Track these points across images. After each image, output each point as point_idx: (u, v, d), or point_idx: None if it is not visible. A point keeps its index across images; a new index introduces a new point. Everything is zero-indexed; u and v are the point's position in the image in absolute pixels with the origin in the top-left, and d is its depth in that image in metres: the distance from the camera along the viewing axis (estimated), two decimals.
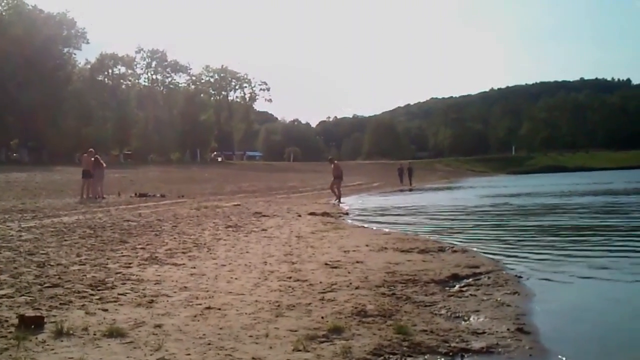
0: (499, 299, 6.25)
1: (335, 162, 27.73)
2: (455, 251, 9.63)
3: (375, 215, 19.06)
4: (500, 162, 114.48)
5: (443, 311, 5.74)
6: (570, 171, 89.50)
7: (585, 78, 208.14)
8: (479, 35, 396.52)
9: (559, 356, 4.50)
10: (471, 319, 5.48)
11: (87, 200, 21.72)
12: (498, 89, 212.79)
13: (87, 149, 25.68)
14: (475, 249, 10.04)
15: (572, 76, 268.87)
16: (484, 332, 5.00)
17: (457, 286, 6.94)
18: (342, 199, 25.69)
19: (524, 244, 11.05)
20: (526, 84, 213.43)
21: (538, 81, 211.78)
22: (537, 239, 11.84)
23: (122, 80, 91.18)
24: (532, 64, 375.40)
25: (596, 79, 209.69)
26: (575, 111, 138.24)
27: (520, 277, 7.51)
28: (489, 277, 7.39)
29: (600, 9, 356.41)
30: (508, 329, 5.08)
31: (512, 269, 8.06)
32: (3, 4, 67.79)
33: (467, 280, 7.24)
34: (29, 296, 5.91)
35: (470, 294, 6.52)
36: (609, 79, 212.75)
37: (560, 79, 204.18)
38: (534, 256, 9.32)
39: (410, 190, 40.91)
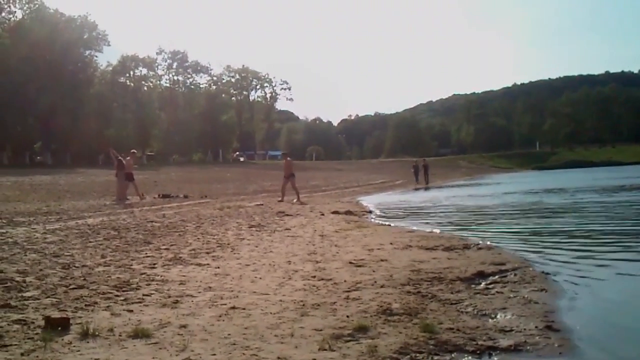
0: (526, 296, 6.14)
1: (288, 158, 25.59)
2: (480, 248, 9.49)
3: (400, 215, 18.92)
4: (524, 157, 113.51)
5: (469, 309, 5.66)
6: (596, 166, 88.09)
7: (611, 71, 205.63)
8: (501, 30, 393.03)
9: (590, 354, 4.40)
10: (498, 316, 5.39)
11: (137, 202, 21.93)
12: (521, 84, 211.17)
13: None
14: (500, 246, 9.91)
15: (597, 70, 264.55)
16: (511, 330, 4.92)
17: (483, 283, 6.85)
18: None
19: (552, 241, 10.85)
20: (550, 78, 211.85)
21: (562, 75, 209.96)
22: (568, 238, 11.56)
23: (143, 82, 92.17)
24: (555, 58, 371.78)
25: (622, 72, 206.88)
26: (600, 105, 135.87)
27: (547, 274, 7.37)
28: (515, 274, 7.27)
29: (626, 0, 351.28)
30: (536, 327, 4.99)
31: (539, 267, 7.91)
32: (25, 8, 68.76)
33: (493, 278, 7.13)
34: (55, 298, 5.95)
35: (497, 291, 6.42)
36: (635, 71, 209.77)
37: (584, 73, 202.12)
38: (563, 254, 9.11)
39: (426, 189, 38.52)
